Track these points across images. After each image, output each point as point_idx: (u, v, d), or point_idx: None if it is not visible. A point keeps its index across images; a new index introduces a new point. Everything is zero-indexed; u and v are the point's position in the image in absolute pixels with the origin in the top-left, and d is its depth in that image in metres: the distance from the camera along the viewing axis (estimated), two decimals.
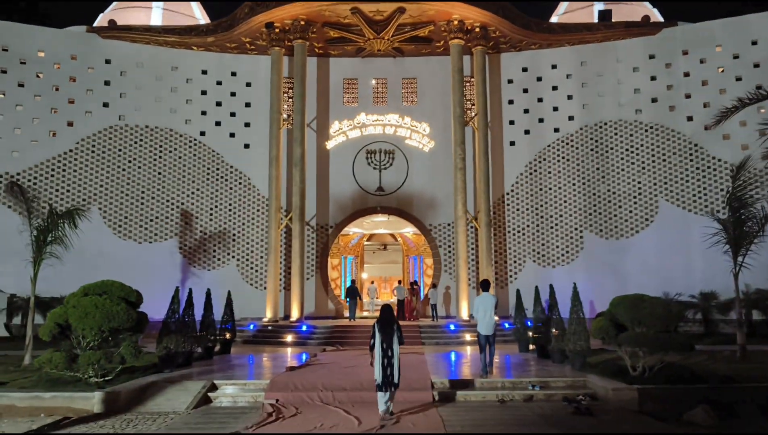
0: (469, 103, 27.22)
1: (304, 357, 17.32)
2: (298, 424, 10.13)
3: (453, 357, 17.64)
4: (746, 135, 25.16)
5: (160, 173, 26.96)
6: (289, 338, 21.98)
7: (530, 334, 17.85)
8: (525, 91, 27.98)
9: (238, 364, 15.84)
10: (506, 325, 23.47)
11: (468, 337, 21.68)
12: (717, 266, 24.60)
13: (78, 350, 12.40)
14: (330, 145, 27.84)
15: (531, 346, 17.92)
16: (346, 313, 26.17)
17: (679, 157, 26.03)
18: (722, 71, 25.89)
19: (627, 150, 26.66)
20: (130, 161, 26.71)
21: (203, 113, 27.58)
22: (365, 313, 30.44)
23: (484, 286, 14.49)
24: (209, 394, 12.12)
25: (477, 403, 11.78)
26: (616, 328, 12.90)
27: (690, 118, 26.04)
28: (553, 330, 15.57)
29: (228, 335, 18.50)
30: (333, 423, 10.09)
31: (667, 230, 25.73)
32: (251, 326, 23.51)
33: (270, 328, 23.59)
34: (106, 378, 12.10)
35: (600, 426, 9.86)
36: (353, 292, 26.28)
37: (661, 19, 29.66)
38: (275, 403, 11.52)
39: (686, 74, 26.25)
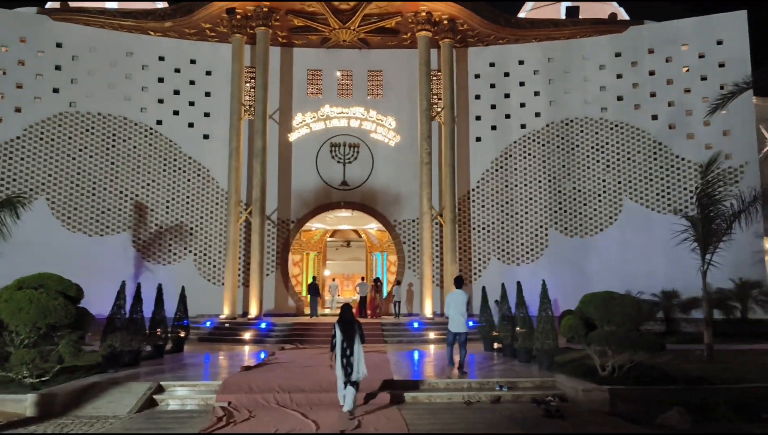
0: (435, 97, 26.67)
1: (261, 355, 16.45)
2: (250, 429, 9.32)
3: (417, 356, 17.01)
4: (710, 135, 25.20)
5: (113, 163, 25.67)
6: (247, 336, 21.04)
7: (495, 332, 17.37)
8: (492, 86, 27.54)
9: (191, 364, 14.90)
10: (470, 323, 22.98)
11: (432, 335, 21.10)
12: (679, 265, 24.58)
13: (11, 348, 11.34)
14: (293, 137, 26.94)
15: (496, 345, 17.41)
16: (308, 311, 25.36)
17: (643, 156, 25.91)
18: (687, 70, 25.85)
19: (593, 147, 26.44)
20: (81, 150, 25.36)
21: (160, 101, 26.37)
22: (326, 311, 29.62)
23: (457, 282, 13.90)
24: (155, 396, 11.20)
25: (442, 404, 11.14)
26: (586, 326, 12.41)
27: (655, 117, 25.94)
28: (518, 328, 15.06)
29: (181, 333, 17.51)
30: (289, 428, 9.31)
31: (631, 229, 25.59)
32: (208, 323, 22.48)
33: (227, 325, 22.59)
34: (42, 379, 11.10)
35: (570, 429, 9.32)
36: (314, 289, 25.65)
37: (628, 18, 29.53)
38: (227, 406, 10.68)
39: (651, 73, 26.13)
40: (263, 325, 21.89)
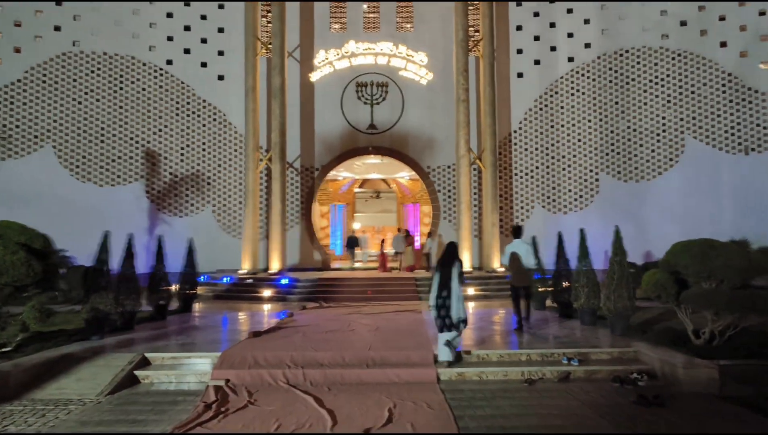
0: (472, 29, 23.44)
1: (279, 317, 14.05)
2: (243, 423, 6.87)
3: None
4: None
5: (121, 108, 23.22)
6: (266, 293, 18.74)
7: (548, 288, 14.69)
8: (536, 14, 24.12)
9: (195, 327, 12.57)
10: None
11: (471, 290, 18.51)
12: (748, 211, 21.51)
13: None
14: (315, 77, 24.08)
15: (549, 303, 14.77)
16: (335, 264, 23.05)
17: (710, 89, 22.42)
18: None
19: (651, 81, 23.00)
20: (87, 93, 22.93)
21: (169, 39, 23.67)
22: (357, 264, 27.21)
23: (516, 232, 12.28)
24: (138, 372, 8.85)
25: (497, 384, 8.55)
26: (677, 283, 9.61)
27: (724, 44, 22.32)
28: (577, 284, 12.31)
29: (189, 290, 15.20)
30: (296, 422, 6.82)
31: (694, 171, 22.35)
32: (225, 279, 20.27)
33: (247, 281, 20.32)
34: (3, 349, 8.85)
35: (684, 426, 6.65)
36: (354, 242, 25.55)
37: None
38: (224, 386, 8.28)
39: None
40: (284, 281, 19.57)
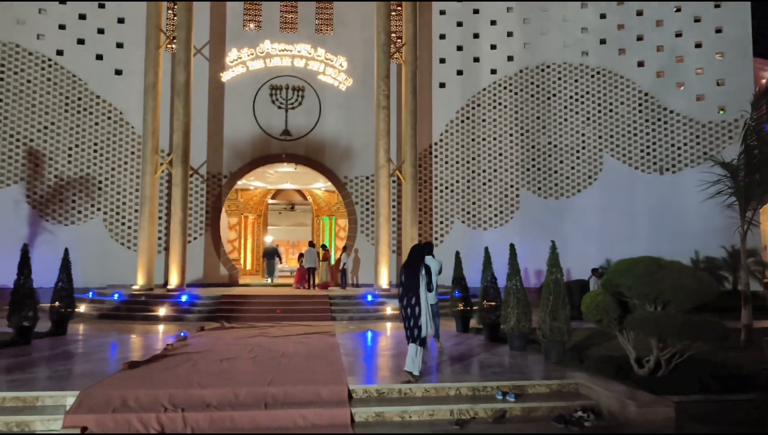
0: (394, 36, 22.30)
1: (170, 343, 12.04)
2: None
3: (374, 340, 12.97)
4: (702, 84, 21.78)
5: (1, 100, 20.36)
6: (162, 311, 16.55)
7: (469, 308, 13.56)
8: (459, 24, 23.32)
9: (64, 354, 10.39)
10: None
11: (389, 310, 17.11)
12: (663, 231, 21.42)
13: None
14: (226, 77, 22.15)
15: (473, 324, 13.60)
16: (245, 280, 21.11)
17: (627, 108, 22.32)
18: (678, 10, 22.22)
19: (571, 97, 22.67)
20: None
21: (61, 27, 21.07)
22: (267, 280, 25.23)
23: (427, 248, 10.57)
24: None
25: (422, 426, 7.09)
26: (619, 305, 8.56)
27: (641, 64, 22.32)
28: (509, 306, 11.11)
29: (65, 309, 12.89)
30: None
31: (612, 189, 22.10)
32: (116, 296, 17.85)
33: (141, 298, 17.99)
34: None
35: None
36: (272, 253, 24.63)
37: None
38: None
39: (639, 13, 22.38)
40: (184, 298, 17.44)
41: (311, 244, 22.43)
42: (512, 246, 11.30)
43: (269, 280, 23.94)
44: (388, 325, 15.61)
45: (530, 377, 8.51)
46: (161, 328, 14.93)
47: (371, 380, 8.37)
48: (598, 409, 7.50)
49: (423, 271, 8.29)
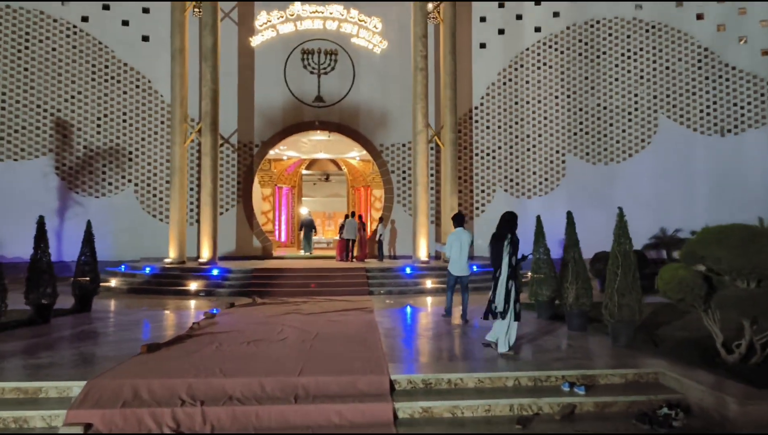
0: None
1: (194, 320, 11.18)
2: None
3: (415, 317, 11.90)
4: None
5: (26, 70, 19.65)
6: (192, 286, 15.77)
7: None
8: None
9: (83, 335, 9.58)
10: (474, 268, 17.96)
11: (429, 283, 16.05)
12: (724, 197, 19.73)
13: None
14: (256, 41, 21.03)
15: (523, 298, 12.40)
16: (280, 252, 20.25)
17: (685, 65, 20.45)
18: None
19: (623, 55, 20.88)
20: None
21: None
22: (302, 252, 24.40)
23: (458, 220, 11.09)
24: None
25: (477, 424, 5.99)
26: (706, 281, 7.26)
27: (700, 17, 20.36)
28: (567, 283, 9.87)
29: (89, 284, 12.14)
30: None
31: (667, 153, 20.40)
32: (147, 270, 17.17)
33: (173, 271, 17.27)
34: None
35: None
36: (310, 224, 23.95)
37: None
38: None
39: None
40: (215, 272, 16.64)
41: (352, 214, 21.35)
42: (570, 214, 10.07)
43: (308, 253, 23.17)
44: (429, 299, 14.54)
45: (599, 365, 7.31)
46: (191, 303, 14.15)
47: (416, 368, 7.28)
48: (686, 405, 6.28)
49: (507, 242, 7.73)
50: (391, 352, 7.97)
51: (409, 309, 12.80)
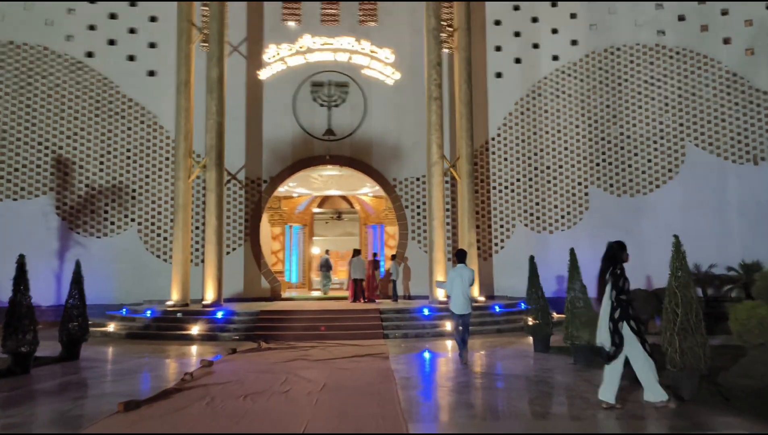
0: (445, 24, 19.99)
1: (191, 368, 9.98)
2: None
3: (435, 364, 10.65)
4: None
5: (29, 106, 19.02)
6: (194, 330, 14.62)
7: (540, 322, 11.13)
8: (516, 8, 20.92)
9: (60, 388, 8.43)
10: (497, 309, 16.73)
11: (448, 325, 14.73)
12: (759, 229, 18.43)
13: None
14: (264, 74, 20.33)
15: (552, 341, 11.14)
16: (288, 293, 19.20)
17: (713, 90, 19.41)
18: None
19: (645, 82, 19.90)
20: None
21: (91, 28, 19.64)
22: (314, 293, 23.25)
23: (460, 256, 10.80)
24: None
25: None
26: None
27: (727, 41, 19.41)
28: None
29: (76, 331, 11.03)
30: None
31: (697, 183, 19.18)
32: (148, 313, 16.06)
33: (176, 314, 16.12)
34: None
35: None
36: (327, 265, 22.90)
37: None
38: None
39: None
40: (219, 314, 15.48)
41: (357, 252, 20.23)
42: (572, 251, 9.09)
43: (324, 292, 22.65)
44: (449, 344, 13.25)
45: (663, 426, 6.00)
46: (193, 349, 12.97)
47: (438, 428, 6.03)
48: None
49: (608, 276, 6.81)
50: (409, 408, 6.75)
51: (428, 355, 11.55)
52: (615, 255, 6.84)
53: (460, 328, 10.24)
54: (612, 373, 6.51)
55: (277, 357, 11.05)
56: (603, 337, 6.64)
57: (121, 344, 13.81)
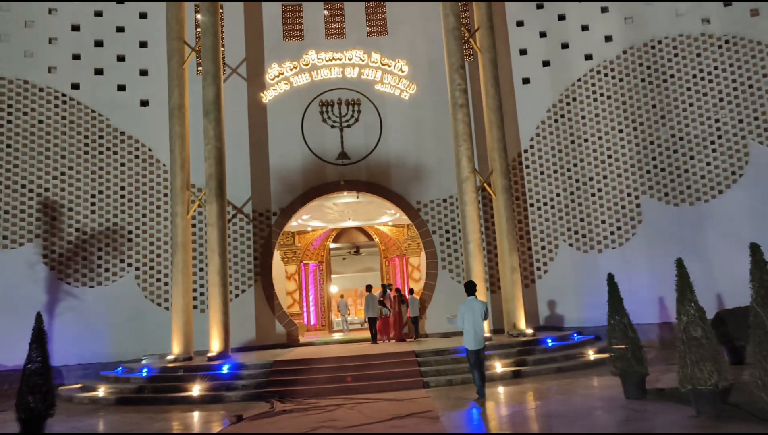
0: (464, 27, 17.80)
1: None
2: None
3: (505, 426, 8.01)
4: None
5: (9, 146, 16.90)
6: (195, 390, 12.06)
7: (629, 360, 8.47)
8: (539, 7, 18.73)
9: None
10: (549, 343, 14.10)
11: (499, 366, 12.14)
12: None
13: None
14: (268, 97, 18.23)
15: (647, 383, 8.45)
16: (307, 337, 16.67)
17: None
18: None
19: (694, 77, 17.43)
20: None
21: (75, 57, 17.64)
22: (335, 335, 20.65)
23: (470, 288, 10.19)
24: None
25: None
26: None
27: None
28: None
29: (39, 402, 8.54)
30: None
31: (765, 185, 16.50)
32: (144, 371, 13.55)
33: (176, 372, 13.59)
34: None
35: None
36: (345, 307, 22.13)
37: None
38: None
39: None
40: (225, 368, 12.93)
41: (368, 288, 17.73)
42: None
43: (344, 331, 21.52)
44: (500, 389, 10.58)
45: None
46: (193, 416, 10.44)
47: None
48: None
49: None
50: None
51: (491, 410, 8.90)
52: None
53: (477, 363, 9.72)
54: None
55: (293, 425, 8.48)
56: None
57: (107, 413, 11.28)
